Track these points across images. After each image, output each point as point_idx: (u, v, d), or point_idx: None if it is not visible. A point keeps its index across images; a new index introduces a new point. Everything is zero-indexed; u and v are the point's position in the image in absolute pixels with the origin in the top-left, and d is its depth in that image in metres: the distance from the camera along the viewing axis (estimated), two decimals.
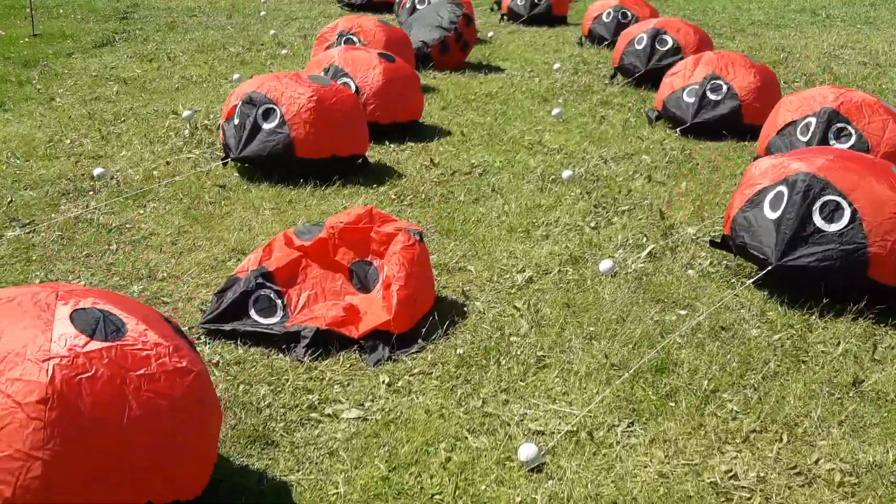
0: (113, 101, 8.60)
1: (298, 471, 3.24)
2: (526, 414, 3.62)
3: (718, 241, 4.95)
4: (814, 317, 4.44)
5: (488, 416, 3.59)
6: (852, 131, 5.84)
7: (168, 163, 6.64)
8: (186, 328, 4.12)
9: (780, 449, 3.44)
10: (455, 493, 3.14)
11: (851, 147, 5.79)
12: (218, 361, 3.89)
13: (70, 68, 10.08)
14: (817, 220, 4.41)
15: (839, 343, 4.20)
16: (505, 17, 14.29)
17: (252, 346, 4.04)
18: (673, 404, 3.71)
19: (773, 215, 4.55)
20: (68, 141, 7.16)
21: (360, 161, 6.45)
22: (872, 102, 5.95)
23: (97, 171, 6.24)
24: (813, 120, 6.01)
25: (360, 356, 4.00)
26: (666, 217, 5.76)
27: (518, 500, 3.12)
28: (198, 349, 3.91)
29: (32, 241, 5.18)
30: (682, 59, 8.72)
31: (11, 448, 2.38)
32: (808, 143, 5.98)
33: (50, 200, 5.82)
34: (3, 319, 2.59)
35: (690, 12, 16.09)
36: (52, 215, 5.55)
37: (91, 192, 5.94)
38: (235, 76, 9.70)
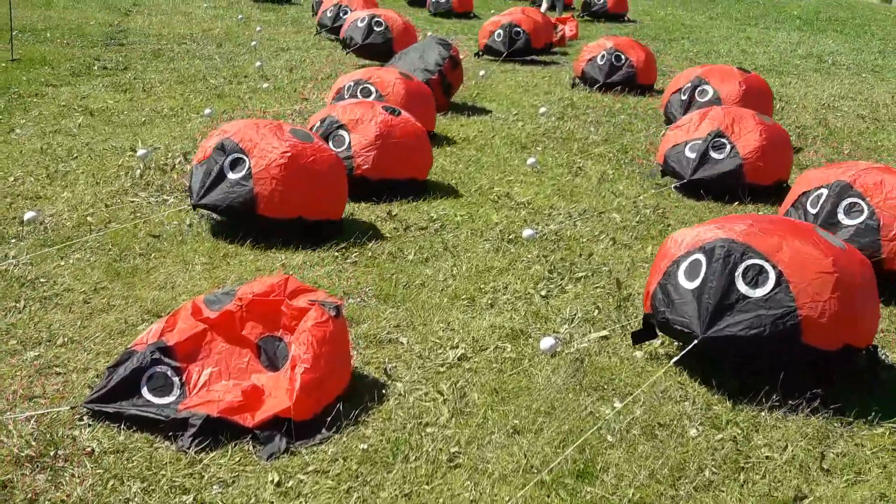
0: (72, 135, 8.30)
1: None
2: None
3: (640, 330, 4.56)
4: (763, 413, 4.05)
5: None
6: (864, 207, 5.43)
7: (107, 206, 6.30)
8: (68, 408, 3.76)
9: None
10: None
11: (860, 224, 5.38)
12: (93, 450, 3.52)
13: (40, 97, 9.80)
14: (741, 285, 4.07)
15: (786, 447, 3.81)
16: (481, 54, 13.94)
17: (137, 431, 3.67)
18: None
19: (691, 285, 4.20)
20: (12, 178, 6.85)
21: (332, 225, 5.99)
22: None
23: (28, 214, 5.92)
24: (824, 192, 5.63)
25: (254, 447, 3.63)
26: (623, 287, 5.39)
27: None
28: (75, 433, 3.57)
29: None
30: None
31: None
32: (816, 216, 5.59)
33: None
34: None
35: (694, 55, 15.76)
36: None
37: (14, 240, 5.60)
38: (207, 111, 9.40)
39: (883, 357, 4.66)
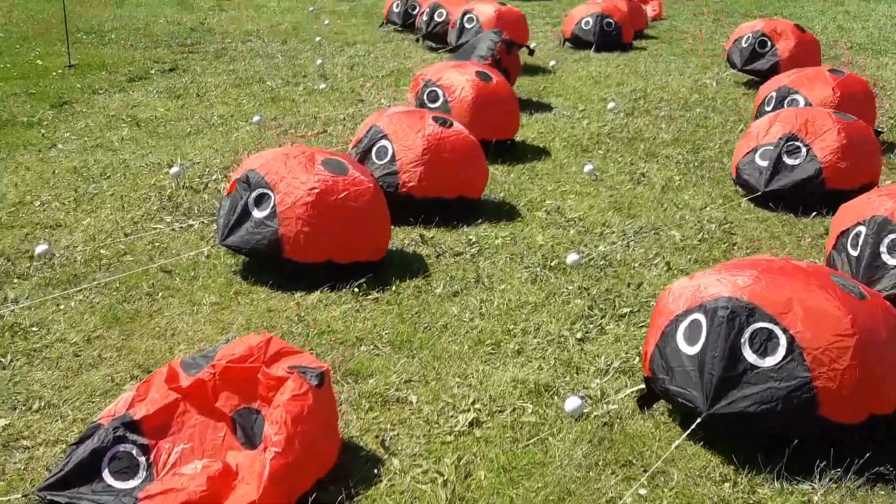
0: (113, 150, 8.02)
1: None
2: None
3: (647, 394, 3.99)
4: (817, 497, 3.44)
5: None
6: None
7: (126, 234, 5.97)
8: (19, 496, 3.39)
9: None
10: None
11: None
12: None
13: (91, 107, 9.58)
14: (748, 354, 3.53)
15: None
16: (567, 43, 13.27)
17: None
18: None
19: (691, 350, 3.65)
20: (37, 203, 6.58)
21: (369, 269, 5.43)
22: None
23: (39, 248, 5.62)
24: (862, 229, 4.95)
25: None
26: None
27: None
28: None
29: None
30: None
31: None
32: (857, 259, 4.92)
33: None
34: None
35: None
36: None
37: (17, 279, 5.30)
38: (256, 118, 9.03)
39: None
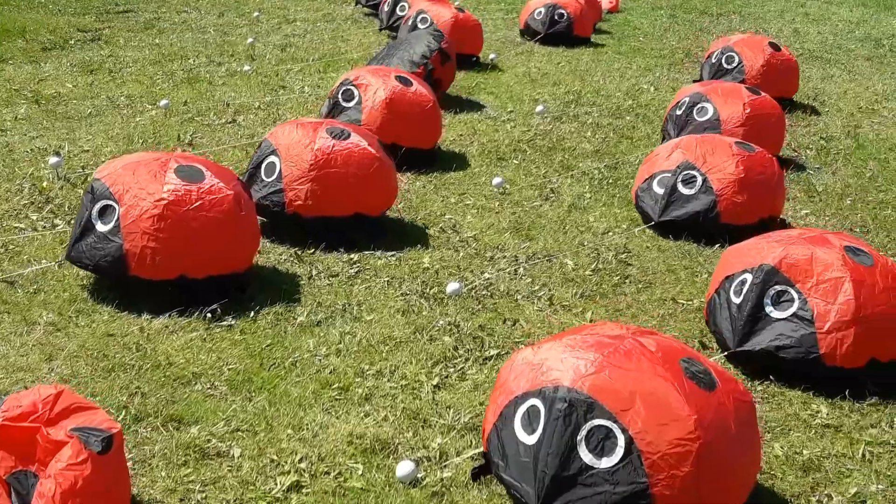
0: (3, 130, 7.58)
1: None
2: None
3: (483, 465, 3.69)
4: None
5: None
6: (795, 296, 4.49)
7: None
8: None
9: None
10: None
11: (791, 316, 4.46)
12: None
13: None
14: (584, 453, 3.23)
15: None
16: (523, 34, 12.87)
17: None
18: None
19: (528, 440, 3.35)
20: None
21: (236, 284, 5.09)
22: (828, 262, 4.51)
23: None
24: (749, 277, 4.66)
25: None
26: None
27: None
28: None
29: None
30: None
31: None
32: (739, 307, 4.64)
33: None
34: None
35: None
36: None
37: None
38: (163, 102, 8.59)
39: None
